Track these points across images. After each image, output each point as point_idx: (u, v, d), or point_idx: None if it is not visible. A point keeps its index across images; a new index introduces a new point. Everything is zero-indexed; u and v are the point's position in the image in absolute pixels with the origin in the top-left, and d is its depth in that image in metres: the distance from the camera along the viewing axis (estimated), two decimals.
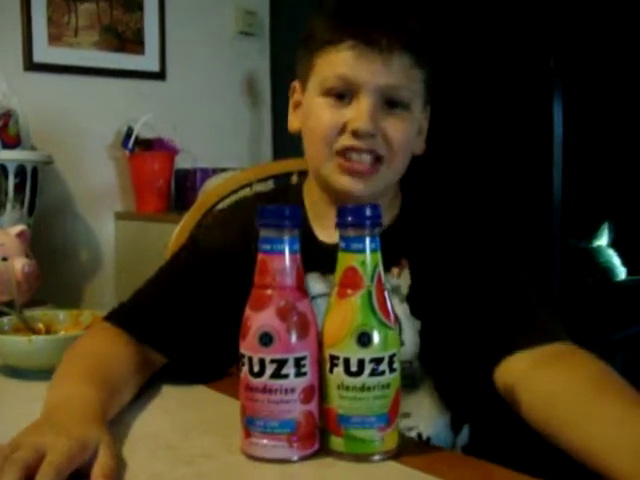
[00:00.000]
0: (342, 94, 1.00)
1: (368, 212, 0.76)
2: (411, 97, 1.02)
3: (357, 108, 0.99)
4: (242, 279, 0.82)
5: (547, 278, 3.34)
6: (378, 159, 1.01)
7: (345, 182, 1.02)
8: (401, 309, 1.03)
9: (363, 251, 0.76)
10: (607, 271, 4.72)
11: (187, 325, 1.06)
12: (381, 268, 0.77)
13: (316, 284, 1.04)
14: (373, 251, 0.76)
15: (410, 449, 0.80)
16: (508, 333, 0.94)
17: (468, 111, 3.31)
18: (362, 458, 0.77)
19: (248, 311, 0.77)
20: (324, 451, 0.79)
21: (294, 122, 1.11)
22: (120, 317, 1.08)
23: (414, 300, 1.04)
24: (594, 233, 4.80)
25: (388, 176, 1.04)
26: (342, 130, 1.00)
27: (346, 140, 1.00)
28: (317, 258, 0.94)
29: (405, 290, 1.04)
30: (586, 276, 4.34)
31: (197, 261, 1.11)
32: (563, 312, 3.44)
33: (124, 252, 2.80)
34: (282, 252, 0.76)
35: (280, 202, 1.11)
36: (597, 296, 4.02)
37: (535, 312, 0.98)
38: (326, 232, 1.07)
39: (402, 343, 0.99)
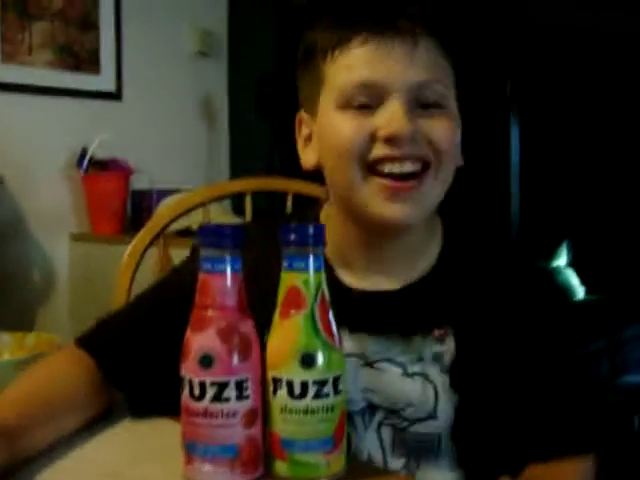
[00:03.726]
0: (366, 104, 0.84)
1: (311, 230, 0.74)
2: (446, 93, 0.86)
3: (386, 113, 0.83)
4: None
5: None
6: (424, 167, 0.85)
7: (392, 210, 0.84)
8: (440, 380, 0.89)
9: (306, 270, 0.74)
10: (565, 291, 4.76)
11: (151, 362, 0.96)
12: (325, 288, 0.75)
13: (345, 342, 0.82)
14: (317, 270, 0.74)
15: (359, 474, 0.78)
16: (537, 440, 0.87)
17: None
18: None
19: (189, 332, 0.74)
20: (269, 476, 0.76)
21: (309, 157, 0.93)
22: (86, 340, 0.99)
23: (457, 372, 0.89)
24: (553, 254, 4.84)
25: (436, 191, 0.87)
26: (372, 140, 0.84)
27: (381, 150, 0.84)
28: (346, 309, 0.78)
29: (448, 359, 0.89)
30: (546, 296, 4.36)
31: (175, 294, 0.96)
32: None
33: (78, 274, 2.75)
34: (223, 272, 0.74)
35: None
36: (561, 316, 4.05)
37: (570, 416, 0.89)
38: (355, 276, 0.93)
39: (435, 417, 0.89)
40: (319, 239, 0.75)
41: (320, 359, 0.73)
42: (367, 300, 0.76)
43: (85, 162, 2.71)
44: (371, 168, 0.85)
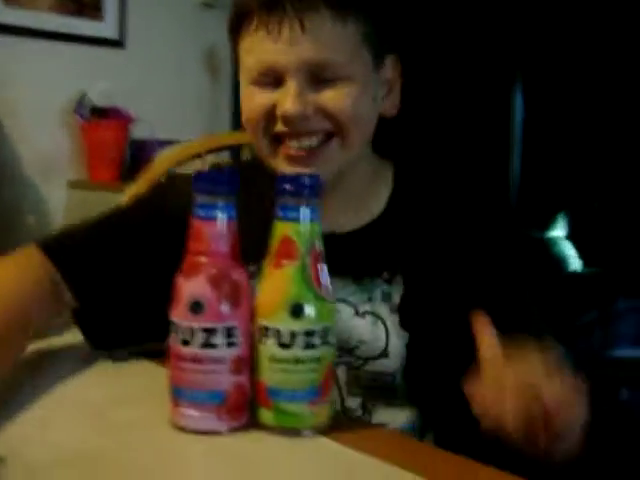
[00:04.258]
0: (271, 82, 0.90)
1: (307, 181, 0.74)
2: (344, 62, 0.88)
3: (281, 92, 0.89)
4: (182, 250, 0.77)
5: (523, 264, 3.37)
6: (327, 137, 0.91)
7: (286, 170, 0.91)
8: (390, 319, 0.93)
9: (299, 220, 0.74)
10: (561, 262, 4.78)
11: (110, 274, 0.97)
12: (319, 240, 0.75)
13: None
14: (311, 221, 0.74)
15: (344, 426, 0.79)
16: None
17: (429, 96, 3.31)
18: (292, 432, 0.75)
19: (180, 278, 0.74)
20: (254, 424, 0.77)
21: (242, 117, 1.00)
22: (47, 244, 0.97)
23: (405, 311, 0.93)
24: (550, 223, 4.85)
25: (343, 155, 0.93)
26: (273, 115, 0.91)
27: (279, 126, 0.91)
28: None
29: (397, 299, 0.93)
30: (541, 266, 4.39)
31: (142, 218, 1.02)
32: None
33: (74, 220, 2.73)
34: (216, 218, 0.73)
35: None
36: (550, 287, 4.08)
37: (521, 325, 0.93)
38: None
39: (387, 355, 0.92)
40: (314, 190, 0.75)
41: (310, 310, 0.73)
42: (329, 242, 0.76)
43: (84, 109, 2.68)
44: (277, 138, 0.92)
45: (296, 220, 0.74)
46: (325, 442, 0.75)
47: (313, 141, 0.91)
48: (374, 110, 0.94)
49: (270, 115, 0.90)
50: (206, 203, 0.74)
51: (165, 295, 0.76)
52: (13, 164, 2.69)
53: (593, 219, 4.75)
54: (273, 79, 0.89)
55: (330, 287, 0.76)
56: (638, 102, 3.99)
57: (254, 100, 0.91)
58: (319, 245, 0.75)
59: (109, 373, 0.95)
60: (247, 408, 0.77)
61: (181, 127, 2.92)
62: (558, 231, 4.95)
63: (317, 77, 0.88)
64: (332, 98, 0.89)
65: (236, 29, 0.92)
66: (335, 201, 0.96)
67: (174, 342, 0.74)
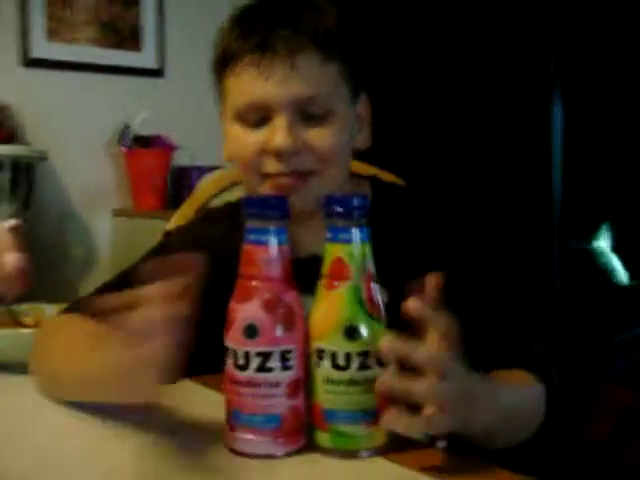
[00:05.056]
0: (258, 119, 0.94)
1: (356, 202, 0.74)
2: (328, 99, 0.94)
3: (271, 129, 0.93)
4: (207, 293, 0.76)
5: (547, 280, 3.33)
6: (308, 174, 0.95)
7: None
8: None
9: (350, 242, 0.74)
10: (608, 273, 4.70)
11: None
12: (370, 260, 0.75)
13: None
14: (362, 242, 0.74)
15: (402, 445, 0.78)
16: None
17: (468, 112, 3.29)
18: (349, 454, 0.75)
19: (233, 303, 0.75)
20: (310, 447, 0.77)
21: (225, 152, 1.04)
22: (79, 307, 1.01)
23: (392, 322, 0.96)
24: (594, 234, 4.78)
25: (322, 188, 0.95)
26: (263, 153, 0.94)
27: (271, 165, 0.94)
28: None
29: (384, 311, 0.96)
30: (587, 278, 4.33)
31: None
32: (563, 314, 3.42)
33: (120, 249, 2.78)
34: (267, 243, 0.74)
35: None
36: (598, 298, 4.01)
37: (509, 340, 0.94)
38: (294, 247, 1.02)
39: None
40: (363, 210, 0.75)
41: (364, 331, 0.73)
42: (305, 266, 0.77)
43: (127, 139, 2.72)
44: (265, 176, 0.96)
45: (347, 241, 0.74)
46: (382, 463, 0.75)
47: (294, 178, 0.95)
48: (350, 145, 1.00)
49: (260, 154, 0.94)
50: (257, 228, 0.74)
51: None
52: (60, 196, 2.74)
53: (638, 230, 4.67)
54: (260, 116, 0.94)
55: (383, 307, 0.76)
56: None
57: (243, 139, 0.95)
58: (371, 265, 0.76)
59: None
60: (303, 431, 0.77)
61: (220, 154, 2.94)
62: (602, 242, 4.88)
63: (303, 114, 0.93)
64: (317, 135, 0.94)
65: (222, 68, 0.97)
66: (316, 225, 0.93)
67: (230, 367, 0.75)
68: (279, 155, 0.93)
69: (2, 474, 0.73)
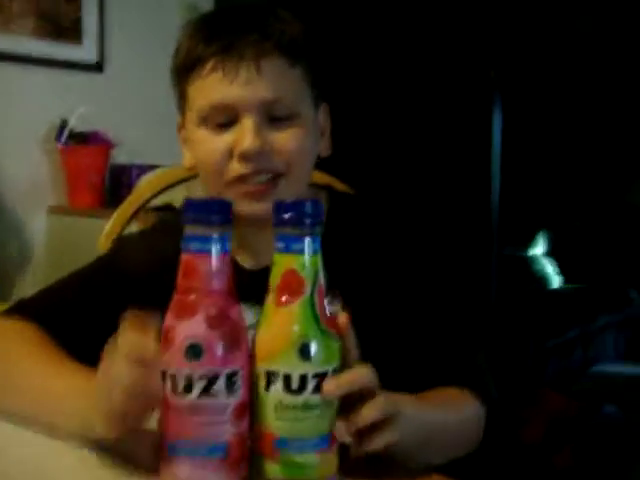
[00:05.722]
0: (223, 122, 0.93)
1: (309, 208, 0.67)
2: (294, 103, 0.95)
3: (238, 131, 0.92)
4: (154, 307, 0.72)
5: (484, 286, 3.36)
6: (275, 177, 0.94)
7: (244, 207, 0.93)
8: None
9: (304, 252, 0.67)
10: (542, 280, 4.77)
11: (84, 338, 0.96)
12: (322, 272, 0.69)
13: (247, 315, 0.88)
14: (314, 253, 0.68)
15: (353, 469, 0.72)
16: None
17: (410, 121, 3.28)
18: None
19: (170, 320, 0.67)
20: (255, 478, 0.69)
21: (186, 158, 1.03)
22: (32, 310, 1.00)
23: None
24: (530, 242, 4.84)
25: (290, 191, 0.95)
26: (229, 156, 0.93)
27: (237, 168, 0.93)
28: (246, 288, 0.78)
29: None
30: (522, 284, 4.39)
31: (108, 279, 1.04)
32: (499, 320, 3.46)
33: (56, 247, 2.68)
34: (211, 252, 0.66)
35: None
36: (532, 304, 4.06)
37: (451, 358, 0.95)
38: (249, 259, 1.01)
39: None
40: (317, 218, 0.68)
41: (320, 349, 0.67)
42: (260, 276, 0.72)
43: (64, 135, 2.62)
44: (229, 183, 0.94)
45: (300, 252, 0.67)
46: None
47: (263, 178, 0.94)
48: (315, 151, 1.00)
49: (227, 157, 0.93)
50: (199, 235, 0.67)
51: None
52: None
53: (574, 236, 4.75)
54: (226, 119, 0.93)
55: (335, 323, 0.70)
56: (618, 119, 3.99)
57: (209, 143, 0.94)
58: (323, 278, 0.69)
59: None
60: (246, 459, 0.69)
61: (160, 152, 2.85)
62: (539, 249, 4.94)
63: (269, 117, 0.93)
64: (283, 138, 0.93)
65: (185, 74, 0.96)
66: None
67: (167, 392, 0.66)
68: (247, 157, 0.92)
69: None
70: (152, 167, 2.58)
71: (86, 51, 2.85)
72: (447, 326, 0.99)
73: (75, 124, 2.64)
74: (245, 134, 0.91)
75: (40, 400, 0.83)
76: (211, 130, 0.94)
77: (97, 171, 2.66)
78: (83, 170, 2.63)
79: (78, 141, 2.65)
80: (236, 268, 0.88)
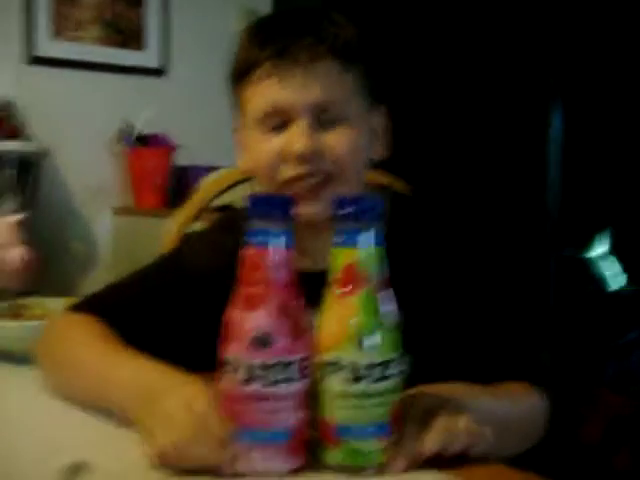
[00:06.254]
0: (277, 125, 0.95)
1: (368, 203, 0.70)
2: (347, 109, 0.96)
3: (291, 133, 0.94)
4: (214, 306, 0.76)
5: (542, 287, 3.32)
6: (327, 178, 0.95)
7: (305, 209, 0.94)
8: None
9: (365, 245, 0.69)
10: (603, 280, 4.68)
11: (151, 335, 1.00)
12: (384, 264, 0.71)
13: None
14: (376, 245, 0.70)
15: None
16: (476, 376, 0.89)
17: (467, 122, 3.27)
18: (360, 471, 0.70)
19: (235, 312, 0.70)
20: (315, 464, 0.72)
21: (241, 161, 1.05)
22: (97, 305, 1.02)
23: (405, 337, 0.93)
24: (589, 242, 4.76)
25: (341, 192, 0.93)
26: (283, 158, 0.95)
27: (289, 170, 0.95)
28: (304, 291, 0.76)
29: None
30: (582, 285, 4.32)
31: (172, 276, 1.07)
32: (559, 322, 3.42)
33: (121, 247, 2.75)
34: (275, 245, 0.69)
35: None
36: (592, 305, 4.00)
37: (511, 358, 0.96)
38: (306, 262, 0.97)
39: None
40: (376, 212, 0.70)
41: (380, 340, 0.69)
42: (317, 279, 0.73)
43: (129, 138, 2.69)
44: (282, 185, 0.96)
45: (360, 245, 0.69)
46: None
47: (314, 180, 0.95)
48: (367, 154, 1.01)
49: (280, 158, 0.95)
50: (265, 228, 0.69)
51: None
52: (61, 193, 2.71)
53: (637, 235, 4.65)
54: (279, 121, 0.95)
55: (397, 315, 0.72)
56: None
57: (263, 145, 0.96)
58: (384, 271, 0.71)
59: None
60: (306, 446, 0.72)
61: (221, 154, 2.90)
62: (601, 248, 4.85)
63: (320, 119, 0.94)
64: (334, 139, 0.95)
65: (241, 78, 0.98)
66: (330, 236, 0.93)
67: (231, 382, 0.69)
68: (299, 159, 0.93)
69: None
70: (213, 168, 2.62)
71: (149, 56, 2.92)
72: (510, 325, 1.00)
73: (139, 127, 2.71)
74: (298, 136, 0.93)
75: (100, 388, 0.85)
76: (265, 133, 0.96)
77: (160, 173, 2.72)
78: (147, 172, 2.70)
79: (142, 144, 2.72)
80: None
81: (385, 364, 0.69)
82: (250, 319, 0.69)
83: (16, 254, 1.72)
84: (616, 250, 4.80)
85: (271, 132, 0.95)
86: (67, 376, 0.93)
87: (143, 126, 2.71)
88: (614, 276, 4.78)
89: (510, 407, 0.87)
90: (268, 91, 0.94)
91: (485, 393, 0.83)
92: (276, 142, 0.95)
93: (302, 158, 0.93)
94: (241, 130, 1.02)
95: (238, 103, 1.01)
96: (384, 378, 0.69)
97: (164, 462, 0.70)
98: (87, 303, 1.04)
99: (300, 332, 0.70)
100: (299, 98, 0.93)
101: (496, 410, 0.81)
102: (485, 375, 0.89)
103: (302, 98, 0.93)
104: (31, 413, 0.90)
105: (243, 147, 1.03)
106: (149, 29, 2.91)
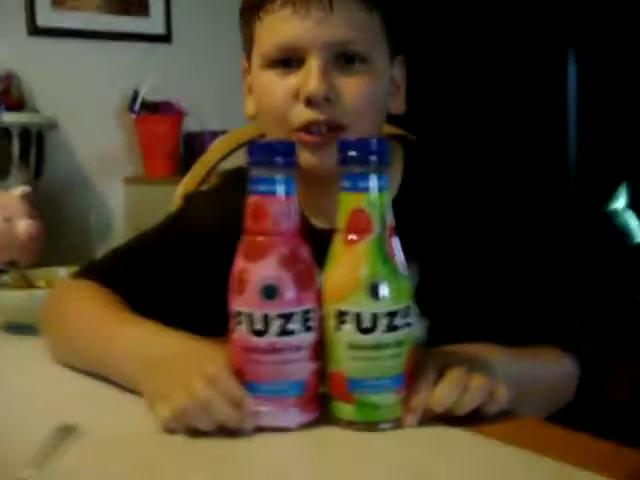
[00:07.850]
0: (289, 62, 0.88)
1: (374, 146, 0.66)
2: (367, 48, 0.88)
3: (304, 72, 0.86)
4: (222, 266, 0.72)
5: (565, 241, 3.29)
6: (337, 129, 0.88)
7: (303, 157, 0.87)
8: None
9: (370, 191, 0.66)
10: (625, 233, 4.64)
11: (159, 297, 0.97)
12: (390, 210, 0.68)
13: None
14: (381, 190, 0.67)
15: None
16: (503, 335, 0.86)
17: (485, 74, 3.22)
18: (375, 426, 0.68)
19: (242, 263, 0.67)
20: (326, 419, 0.69)
21: (249, 107, 0.96)
22: (99, 272, 0.99)
23: (423, 299, 0.88)
24: (610, 195, 4.70)
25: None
26: (294, 100, 0.87)
27: (300, 114, 0.87)
28: (319, 248, 0.73)
29: (413, 287, 0.90)
30: (604, 238, 4.28)
31: (177, 236, 1.02)
32: (580, 274, 3.38)
33: (133, 216, 2.74)
34: (278, 193, 0.67)
35: None
36: (615, 258, 3.95)
37: (537, 317, 0.92)
38: (321, 219, 0.95)
39: None
40: (383, 155, 0.67)
41: (390, 289, 0.66)
42: (325, 237, 0.70)
43: (136, 105, 2.67)
44: (292, 131, 0.88)
45: (367, 190, 0.66)
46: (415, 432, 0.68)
47: (324, 129, 0.87)
48: (385, 105, 0.94)
49: (291, 99, 0.87)
50: (266, 176, 0.67)
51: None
52: (69, 164, 2.69)
53: None
54: (293, 59, 0.87)
55: (405, 263, 0.69)
56: None
57: (274, 85, 0.88)
58: (391, 217, 0.68)
59: None
60: (319, 399, 0.70)
61: (231, 118, 2.87)
62: (620, 202, 4.79)
63: (338, 60, 0.87)
64: (352, 83, 0.87)
65: (252, 13, 0.90)
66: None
67: (242, 334, 0.67)
68: (312, 101, 0.85)
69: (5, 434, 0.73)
70: (223, 132, 2.60)
71: (153, 23, 2.88)
72: (536, 282, 0.95)
73: (146, 94, 2.68)
74: (311, 76, 0.85)
75: (104, 355, 0.83)
76: (276, 72, 0.88)
77: (170, 140, 2.70)
78: (157, 139, 2.68)
79: (150, 111, 2.70)
80: (309, 229, 0.86)
81: (397, 313, 0.66)
82: (256, 269, 0.66)
83: (23, 227, 1.71)
84: (635, 203, 4.75)
85: (282, 72, 0.88)
86: (70, 344, 0.90)
87: (149, 93, 2.68)
88: (635, 229, 4.73)
89: (535, 369, 0.84)
90: (283, 25, 0.87)
91: (507, 354, 0.80)
92: (287, 82, 0.87)
93: (314, 101, 0.85)
94: (250, 71, 0.94)
95: (249, 40, 0.93)
96: (395, 328, 0.66)
97: (180, 424, 0.67)
98: (90, 269, 1.01)
99: (309, 281, 0.67)
100: (315, 34, 0.85)
101: (518, 371, 0.78)
102: (510, 338, 0.84)
103: (318, 34, 0.85)
104: (32, 380, 0.90)
105: (251, 90, 0.95)
106: None
